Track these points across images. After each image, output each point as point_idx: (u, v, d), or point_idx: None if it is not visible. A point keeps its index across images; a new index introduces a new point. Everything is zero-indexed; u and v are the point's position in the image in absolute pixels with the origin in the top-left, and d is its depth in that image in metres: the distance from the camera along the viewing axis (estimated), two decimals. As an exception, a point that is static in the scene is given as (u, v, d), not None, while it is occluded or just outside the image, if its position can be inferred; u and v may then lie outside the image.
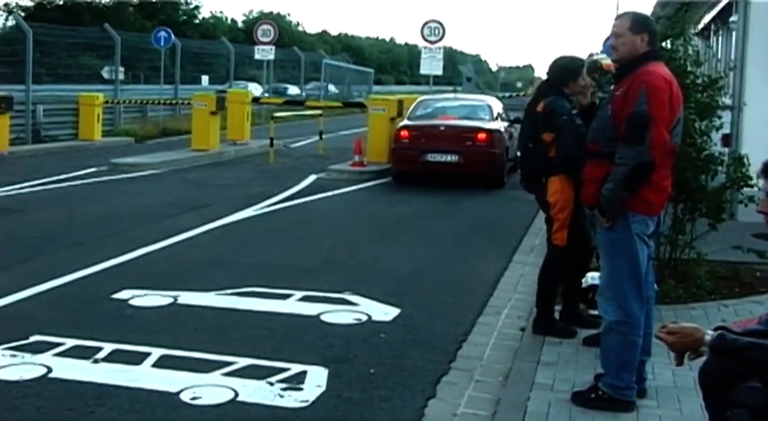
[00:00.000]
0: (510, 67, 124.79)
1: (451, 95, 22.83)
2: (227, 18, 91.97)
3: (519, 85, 68.98)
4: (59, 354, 6.57)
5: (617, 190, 5.37)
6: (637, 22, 5.55)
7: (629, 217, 5.45)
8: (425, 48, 27.69)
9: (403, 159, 17.90)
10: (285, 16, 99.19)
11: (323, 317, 7.78)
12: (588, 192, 5.68)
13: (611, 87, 5.99)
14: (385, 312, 8.01)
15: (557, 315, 7.39)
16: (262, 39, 33.29)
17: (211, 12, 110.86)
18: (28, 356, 6.50)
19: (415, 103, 19.95)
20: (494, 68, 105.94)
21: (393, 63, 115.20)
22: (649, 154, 5.31)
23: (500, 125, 18.15)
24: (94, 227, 12.27)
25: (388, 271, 9.83)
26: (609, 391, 5.48)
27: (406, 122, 18.57)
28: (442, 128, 17.82)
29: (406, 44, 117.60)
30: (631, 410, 5.46)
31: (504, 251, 10.99)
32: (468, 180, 17.25)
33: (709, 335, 3.75)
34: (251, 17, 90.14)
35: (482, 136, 17.34)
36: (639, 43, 5.49)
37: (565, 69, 7.34)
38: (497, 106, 19.51)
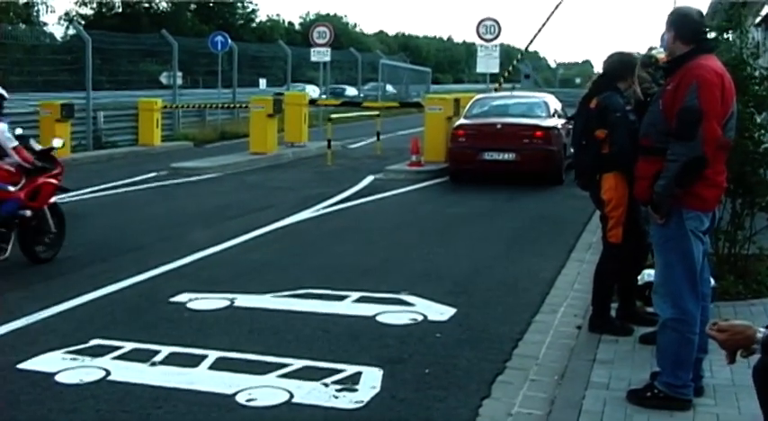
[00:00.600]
0: (568, 64, 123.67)
1: (508, 93, 22.87)
2: (284, 21, 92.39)
3: (578, 81, 68.36)
4: (118, 358, 6.66)
5: (669, 186, 5.31)
6: (669, 19, 5.55)
7: (683, 213, 5.39)
8: (481, 46, 27.64)
9: (460, 158, 17.97)
10: (342, 17, 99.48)
11: (379, 318, 7.80)
12: (641, 189, 5.63)
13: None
14: (441, 312, 8.00)
15: (613, 313, 7.33)
16: (317, 41, 33.43)
17: (268, 15, 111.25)
18: (87, 360, 6.61)
19: (471, 102, 19.99)
20: (552, 65, 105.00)
21: (451, 61, 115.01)
22: (701, 149, 5.24)
23: (557, 122, 18.01)
24: (154, 231, 12.43)
25: (444, 271, 9.81)
26: (665, 390, 5.42)
27: (462, 121, 18.64)
28: (499, 126, 17.82)
29: (464, 42, 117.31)
30: (688, 409, 5.39)
31: (562, 249, 10.92)
32: (525, 178, 17.23)
33: (761, 332, 3.69)
34: (308, 19, 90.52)
35: (539, 133, 17.35)
36: (669, 39, 5.50)
37: (620, 65, 7.27)
38: (554, 103, 19.44)
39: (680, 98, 5.28)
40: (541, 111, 18.72)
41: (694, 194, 5.35)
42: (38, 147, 10.39)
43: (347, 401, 5.80)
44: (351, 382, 6.13)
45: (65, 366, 6.47)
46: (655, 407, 5.40)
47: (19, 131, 10.57)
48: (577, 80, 71.39)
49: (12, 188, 9.61)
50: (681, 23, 5.51)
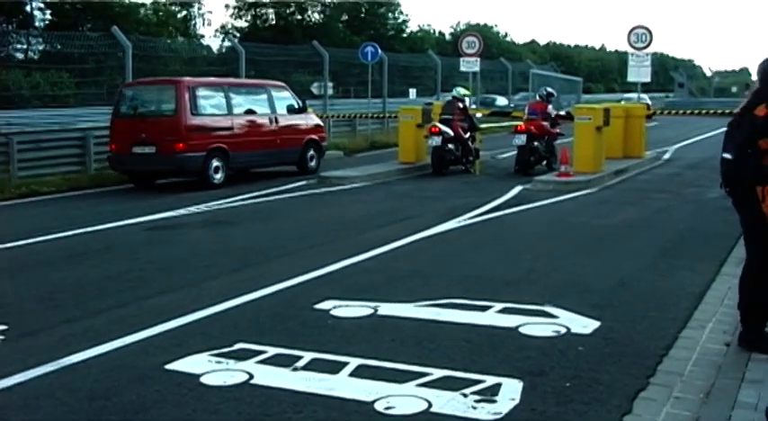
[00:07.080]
0: (725, 72, 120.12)
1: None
2: (434, 31, 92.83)
3: (734, 89, 66.33)
4: (261, 362, 6.78)
5: None
6: None
7: None
8: (633, 54, 27.18)
9: None
10: (492, 27, 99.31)
11: (521, 330, 7.71)
12: None
13: None
14: (584, 325, 7.86)
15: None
16: (467, 50, 33.46)
17: (419, 25, 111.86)
18: (232, 363, 6.76)
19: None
20: (707, 73, 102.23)
21: (603, 71, 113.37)
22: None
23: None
24: (302, 238, 12.62)
25: (590, 283, 9.63)
26: (816, 412, 5.18)
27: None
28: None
29: (617, 51, 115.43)
30: (841, 434, 5.14)
31: (713, 263, 10.59)
32: None
33: None
34: (458, 29, 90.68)
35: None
36: None
37: None
38: None
39: None
40: None
41: None
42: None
43: (485, 412, 5.75)
44: (490, 393, 6.08)
45: (210, 368, 6.63)
46: (804, 429, 5.17)
47: None
48: (734, 89, 69.19)
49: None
50: None
